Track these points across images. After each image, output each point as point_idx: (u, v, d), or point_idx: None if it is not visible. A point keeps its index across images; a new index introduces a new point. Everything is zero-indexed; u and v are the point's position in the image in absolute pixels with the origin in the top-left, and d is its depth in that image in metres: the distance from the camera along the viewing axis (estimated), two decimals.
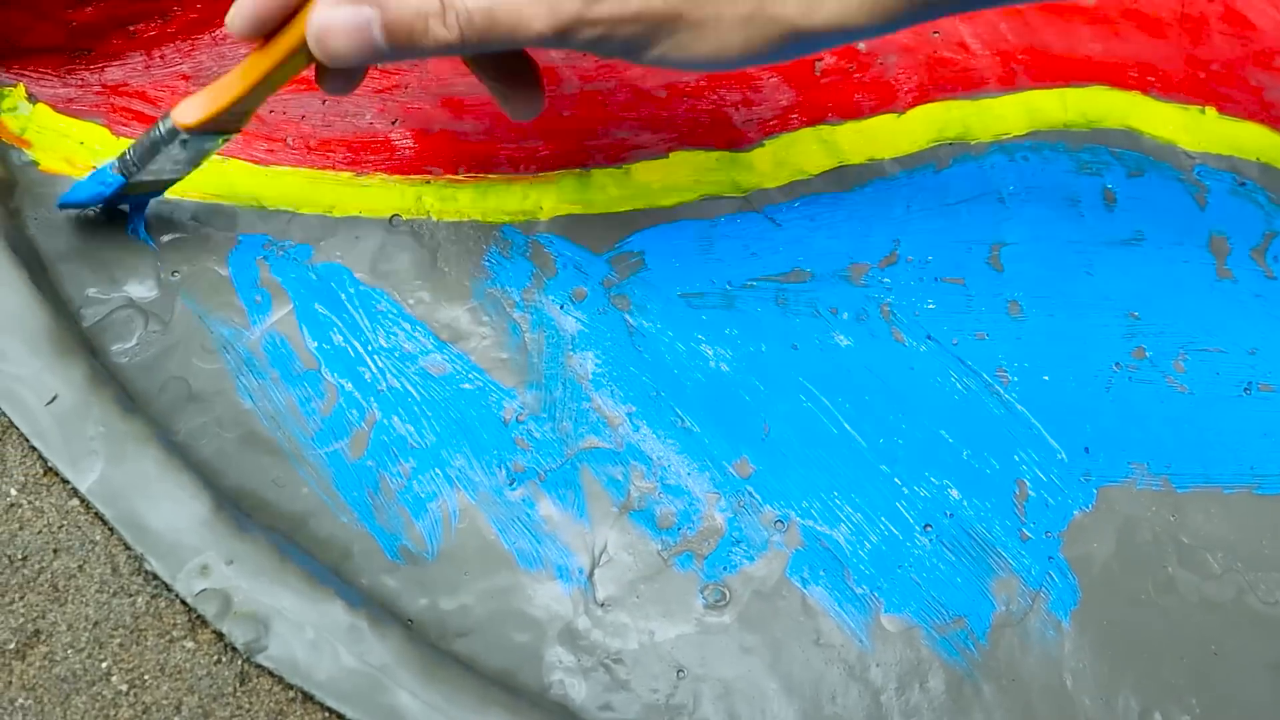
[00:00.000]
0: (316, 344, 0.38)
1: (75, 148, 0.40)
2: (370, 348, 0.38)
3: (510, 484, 0.37)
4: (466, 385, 0.38)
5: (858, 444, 0.38)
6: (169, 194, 0.40)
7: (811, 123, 0.44)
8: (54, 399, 0.32)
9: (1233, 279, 0.42)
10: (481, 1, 0.28)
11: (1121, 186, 0.44)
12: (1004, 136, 0.44)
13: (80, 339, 0.35)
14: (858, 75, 0.45)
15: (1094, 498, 0.38)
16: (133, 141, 0.35)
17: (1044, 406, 0.39)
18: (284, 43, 0.31)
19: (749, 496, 0.37)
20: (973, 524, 0.37)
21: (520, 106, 0.37)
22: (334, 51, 0.29)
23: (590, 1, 0.28)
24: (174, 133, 0.34)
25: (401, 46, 0.29)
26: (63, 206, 0.38)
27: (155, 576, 0.30)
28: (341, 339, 0.38)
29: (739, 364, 0.39)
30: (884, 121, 0.44)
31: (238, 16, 0.30)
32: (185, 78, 0.42)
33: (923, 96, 0.45)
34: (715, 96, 0.44)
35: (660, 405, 0.38)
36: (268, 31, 0.31)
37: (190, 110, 0.33)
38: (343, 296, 0.39)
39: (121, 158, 0.35)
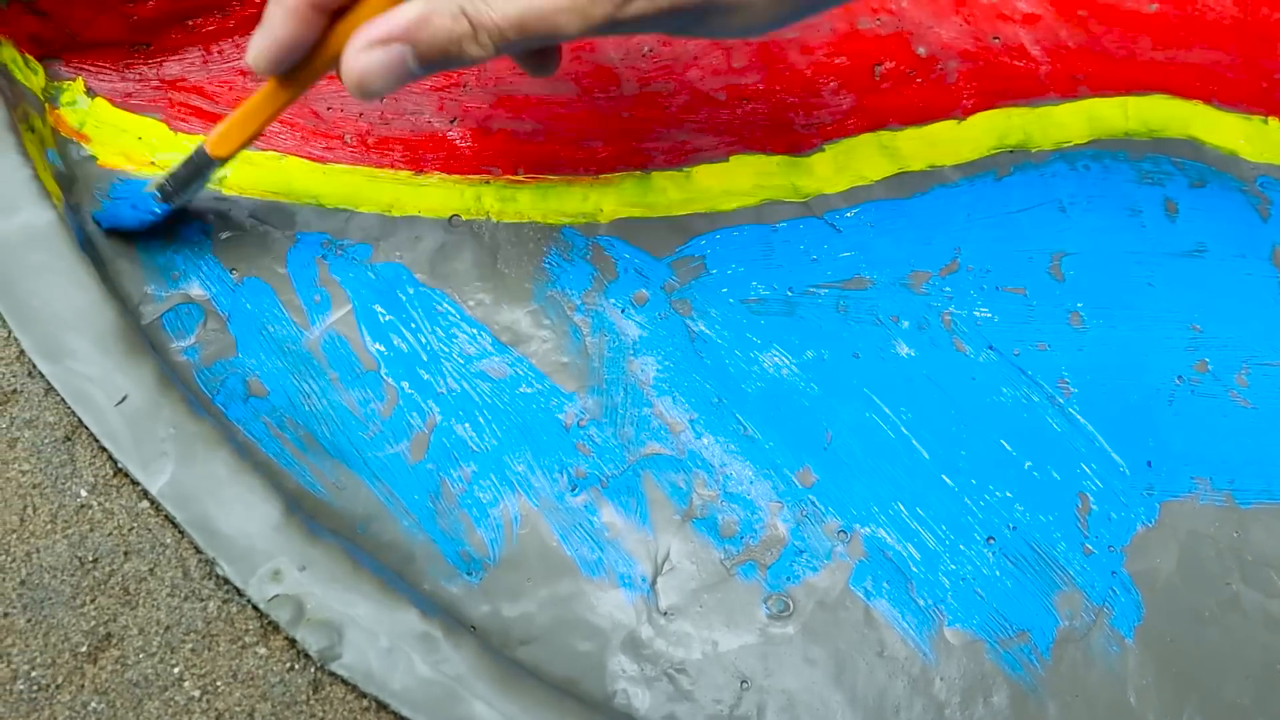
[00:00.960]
0: (376, 345, 0.38)
1: (133, 143, 0.40)
2: (430, 349, 0.38)
3: (572, 490, 0.36)
4: (527, 389, 0.38)
5: (920, 454, 0.38)
6: (227, 191, 0.40)
7: (872, 128, 0.43)
8: (124, 399, 0.32)
9: None
10: (510, 16, 0.28)
11: (1183, 197, 0.43)
12: (1065, 145, 0.44)
13: (147, 338, 0.34)
14: (918, 80, 0.44)
15: (1157, 512, 0.38)
16: (168, 172, 0.36)
17: (1106, 419, 0.39)
18: (309, 74, 0.32)
19: (812, 506, 0.37)
20: (1035, 537, 0.37)
21: (538, 64, 0.36)
22: (373, 91, 0.29)
23: (622, 4, 0.28)
24: (211, 162, 0.35)
25: (439, 67, 0.30)
26: (105, 227, 0.38)
27: (226, 581, 0.30)
28: (401, 340, 0.38)
29: (800, 371, 0.39)
30: (945, 128, 0.44)
31: (261, 58, 0.30)
32: (242, 73, 0.42)
33: (983, 103, 0.44)
34: (775, 100, 0.43)
35: (722, 412, 0.38)
36: (291, 67, 0.31)
37: (225, 142, 0.34)
38: (402, 297, 0.39)
39: (162, 188, 0.36)
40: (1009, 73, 0.45)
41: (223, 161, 0.35)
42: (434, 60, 0.29)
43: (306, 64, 0.31)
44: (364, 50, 0.28)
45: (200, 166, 0.35)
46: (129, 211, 0.37)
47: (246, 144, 0.35)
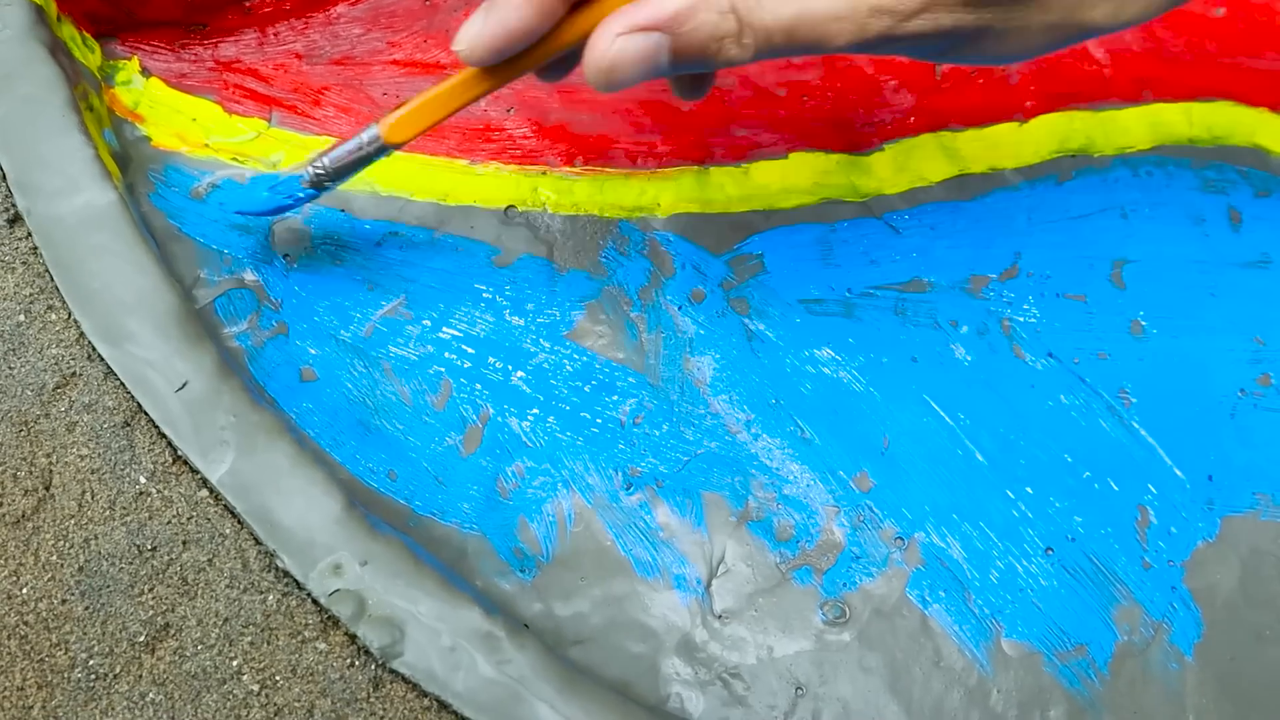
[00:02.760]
0: (431, 334, 0.37)
1: (187, 124, 0.40)
2: (484, 342, 0.37)
3: (627, 489, 0.36)
4: (582, 385, 0.37)
5: (978, 462, 0.37)
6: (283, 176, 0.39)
7: (932, 128, 0.43)
8: (184, 385, 0.32)
9: None
10: (783, 21, 0.26)
11: (1248, 206, 0.43)
12: (1128, 150, 0.43)
13: (206, 323, 0.34)
14: (980, 81, 0.44)
15: (1218, 527, 0.37)
16: (319, 154, 0.34)
17: (1166, 431, 0.38)
18: (523, 65, 0.29)
19: (869, 511, 0.36)
20: (1094, 549, 0.36)
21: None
22: (619, 82, 0.27)
23: (900, 20, 0.26)
24: (382, 149, 0.32)
25: (690, 67, 0.27)
26: (240, 213, 0.37)
27: (286, 574, 0.30)
28: (455, 331, 0.38)
29: (857, 374, 0.38)
30: (1006, 130, 0.43)
31: (482, 46, 0.28)
32: (298, 56, 0.41)
33: (1045, 105, 0.44)
34: (835, 97, 0.43)
35: (779, 414, 0.37)
36: (509, 57, 0.29)
37: (402, 128, 0.32)
38: (456, 288, 0.38)
39: (315, 171, 0.33)
40: (1072, 75, 0.44)
41: (396, 148, 0.32)
42: (689, 57, 0.27)
43: (524, 54, 0.29)
44: (620, 36, 0.26)
45: (369, 153, 0.33)
46: (264, 195, 0.35)
47: (426, 131, 0.32)
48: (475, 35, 0.27)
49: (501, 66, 0.29)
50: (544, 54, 0.28)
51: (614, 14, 0.26)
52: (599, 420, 0.37)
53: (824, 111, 0.42)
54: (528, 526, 0.35)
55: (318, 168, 0.33)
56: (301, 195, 0.34)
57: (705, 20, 0.26)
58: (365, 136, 0.32)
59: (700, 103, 0.42)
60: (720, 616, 0.35)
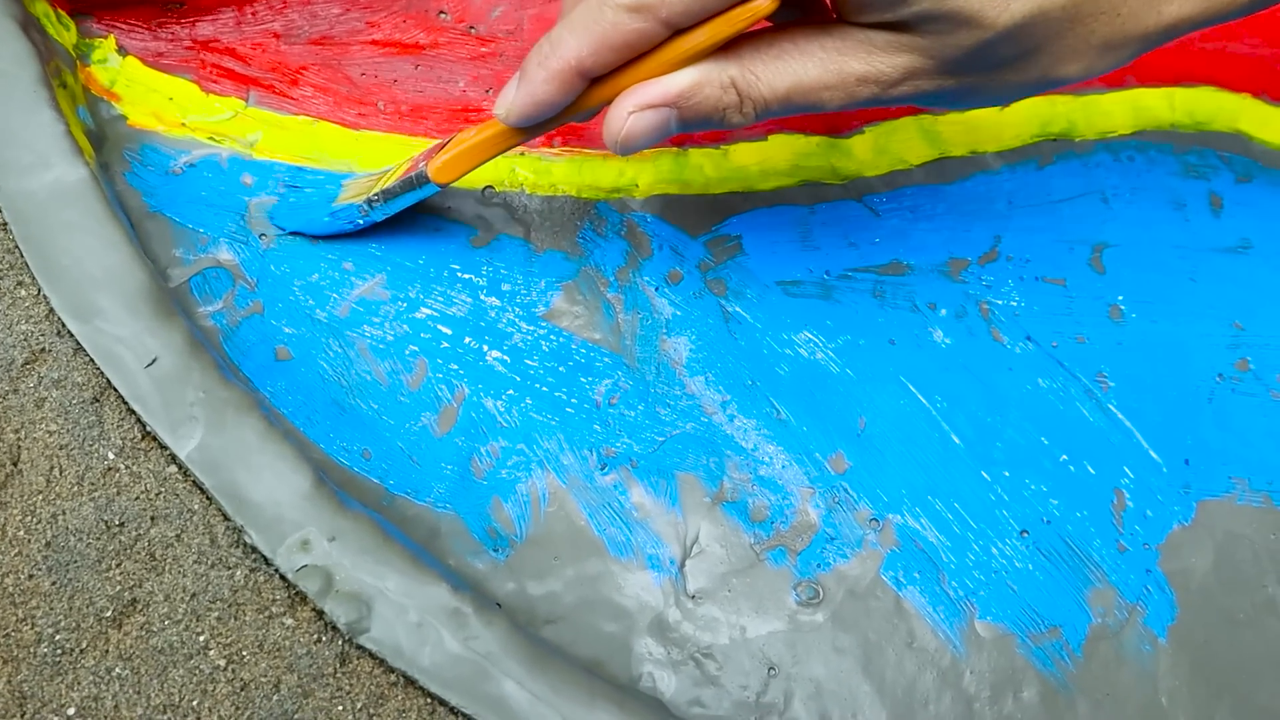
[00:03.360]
0: (407, 314, 0.37)
1: (164, 103, 0.39)
2: (461, 322, 0.37)
3: (602, 469, 0.36)
4: (558, 365, 0.37)
5: (955, 444, 0.37)
6: (259, 155, 0.39)
7: (913, 111, 0.43)
8: (154, 361, 0.31)
9: None
10: (778, 90, 0.29)
11: (1229, 192, 0.42)
12: (1109, 135, 0.43)
13: (181, 302, 0.34)
14: None
15: (1193, 511, 0.37)
16: (380, 188, 0.36)
17: (1144, 415, 0.38)
18: (550, 124, 0.32)
19: (844, 493, 0.36)
20: (1070, 532, 0.36)
21: None
22: (633, 148, 0.30)
23: (885, 88, 0.29)
24: (430, 186, 0.35)
25: (696, 129, 0.30)
26: (288, 230, 0.38)
27: (254, 550, 0.30)
28: (431, 311, 0.37)
29: (835, 356, 0.38)
30: (987, 113, 0.43)
31: (515, 114, 0.31)
32: (276, 35, 0.41)
33: None
34: None
35: (755, 395, 0.37)
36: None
37: (448, 171, 0.34)
38: (433, 268, 0.38)
39: (369, 202, 0.36)
40: None
41: (442, 187, 0.35)
42: (695, 123, 0.30)
43: (551, 118, 0.32)
44: (634, 112, 0.29)
45: (416, 187, 0.35)
46: (325, 219, 0.37)
47: (468, 173, 0.35)
48: (510, 103, 0.31)
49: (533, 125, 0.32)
50: (566, 117, 0.31)
51: (627, 92, 0.29)
52: (574, 400, 0.37)
53: None
54: (502, 506, 0.35)
55: (373, 199, 0.36)
56: (361, 221, 0.37)
57: (709, 95, 0.29)
58: (416, 175, 0.35)
59: None
60: (694, 597, 0.34)
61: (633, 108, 0.29)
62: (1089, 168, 0.42)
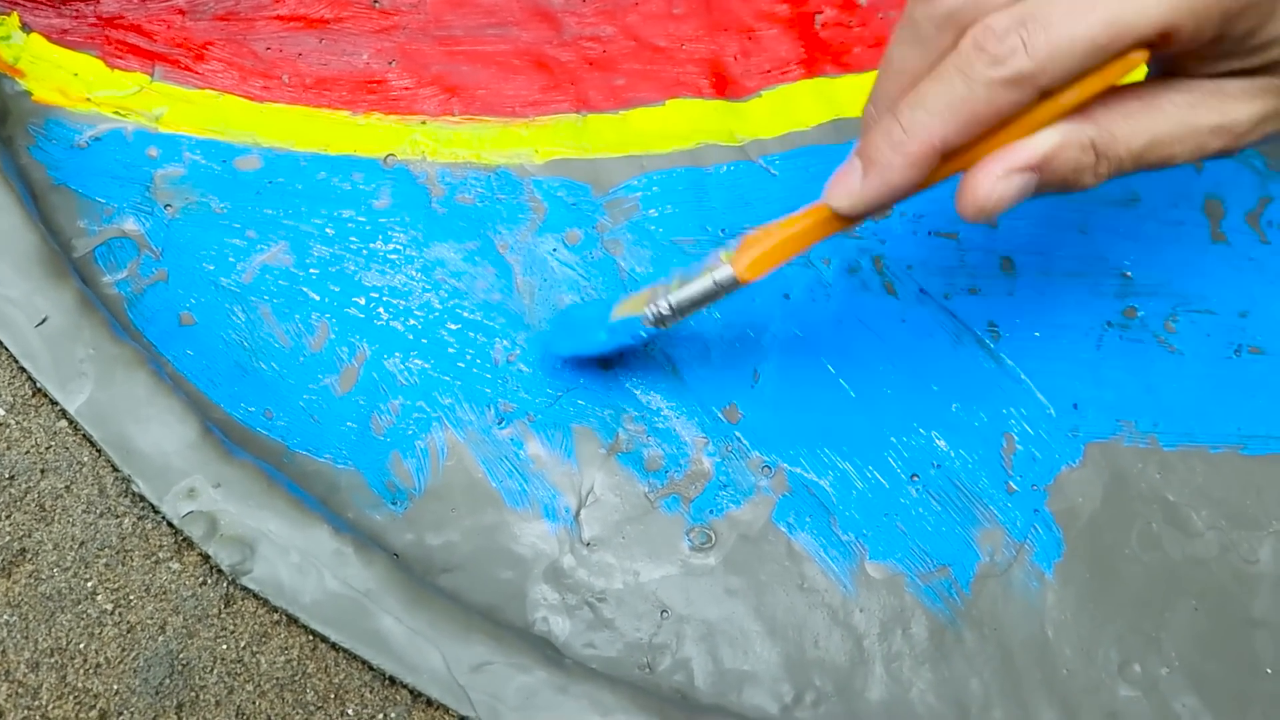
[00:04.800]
0: (310, 279, 0.38)
1: (69, 79, 0.40)
2: (363, 285, 0.38)
3: (499, 423, 0.37)
4: (458, 325, 0.38)
5: (847, 394, 0.38)
6: (163, 128, 0.40)
7: (810, 75, 0.44)
8: (44, 320, 0.32)
9: (1226, 242, 0.42)
10: (1134, 148, 0.28)
11: None
12: None
13: (71, 265, 0.34)
14: (858, 29, 0.45)
15: (1081, 453, 0.38)
16: (675, 299, 0.33)
17: (1034, 362, 0.39)
18: (881, 208, 0.29)
19: (737, 442, 0.37)
20: (960, 475, 0.37)
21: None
22: (992, 214, 0.28)
23: (1237, 136, 0.28)
24: (735, 286, 0.32)
25: (1049, 191, 0.29)
26: (565, 356, 0.37)
27: (142, 498, 0.30)
28: (334, 275, 0.38)
29: (730, 312, 0.39)
30: None
31: (863, 203, 0.29)
32: (181, 12, 0.42)
33: None
34: (714, 47, 0.44)
35: (651, 351, 0.38)
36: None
37: (758, 267, 0.31)
38: (336, 233, 0.39)
39: (659, 312, 0.33)
40: None
41: (746, 285, 0.32)
42: (1051, 186, 0.29)
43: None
44: (1000, 178, 0.28)
45: (721, 292, 0.32)
46: (603, 337, 0.35)
47: (776, 268, 0.31)
48: (855, 194, 0.29)
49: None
50: (905, 196, 0.29)
51: (991, 158, 0.28)
52: (473, 358, 0.37)
53: (703, 60, 0.43)
54: (401, 461, 0.36)
55: (661, 309, 0.33)
56: (644, 334, 0.34)
57: (1069, 158, 0.28)
58: (719, 277, 0.32)
59: (580, 52, 0.43)
60: (588, 544, 0.35)
61: (1001, 173, 0.28)
62: None
